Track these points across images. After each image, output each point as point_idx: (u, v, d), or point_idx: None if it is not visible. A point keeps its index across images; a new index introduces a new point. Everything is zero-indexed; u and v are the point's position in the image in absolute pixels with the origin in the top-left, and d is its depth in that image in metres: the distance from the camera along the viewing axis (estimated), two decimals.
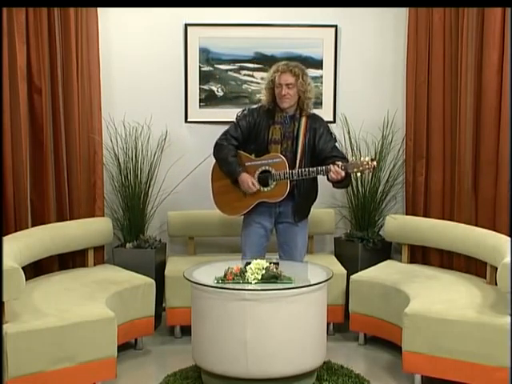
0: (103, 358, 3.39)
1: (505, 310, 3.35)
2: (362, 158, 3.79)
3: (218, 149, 3.94)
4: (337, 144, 3.98)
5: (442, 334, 3.38)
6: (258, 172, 3.88)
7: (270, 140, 3.88)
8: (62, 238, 4.21)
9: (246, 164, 3.91)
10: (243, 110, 4.00)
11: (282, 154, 3.85)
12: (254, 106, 4.03)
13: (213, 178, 4.04)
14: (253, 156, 3.92)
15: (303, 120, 3.90)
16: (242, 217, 4.04)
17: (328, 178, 3.80)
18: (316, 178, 3.95)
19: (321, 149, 3.88)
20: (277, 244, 4.07)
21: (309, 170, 3.78)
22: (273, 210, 3.95)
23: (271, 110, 3.91)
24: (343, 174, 3.72)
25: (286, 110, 3.89)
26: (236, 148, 3.92)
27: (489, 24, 4.08)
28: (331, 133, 3.98)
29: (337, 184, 3.84)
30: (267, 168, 3.86)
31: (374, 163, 3.77)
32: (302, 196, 3.93)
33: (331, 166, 3.72)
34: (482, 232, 4.01)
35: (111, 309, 3.52)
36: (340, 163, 3.73)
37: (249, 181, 3.84)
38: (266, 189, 3.88)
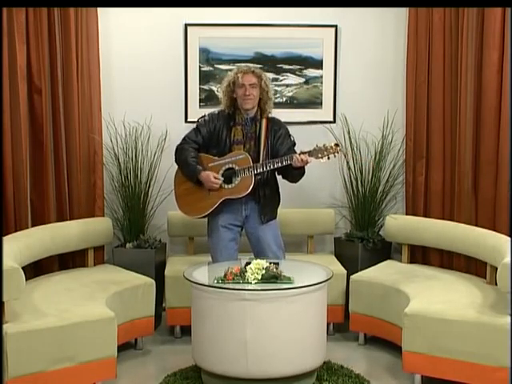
0: (103, 357, 3.39)
1: (505, 310, 3.35)
2: (325, 144, 3.82)
3: (179, 153, 3.96)
4: (295, 148, 3.98)
5: (442, 334, 3.38)
6: (221, 171, 3.89)
7: (233, 141, 3.90)
8: (62, 238, 4.21)
9: (209, 165, 3.91)
10: (203, 116, 4.02)
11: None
12: (215, 111, 4.03)
13: (175, 182, 4.03)
14: (215, 157, 3.92)
15: (264, 122, 3.93)
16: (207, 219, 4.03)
17: (286, 171, 3.85)
18: (276, 180, 3.99)
19: (278, 150, 3.92)
20: (251, 249, 4.07)
21: (273, 161, 3.81)
22: (239, 214, 3.95)
23: (231, 114, 3.94)
24: (309, 160, 3.74)
25: (247, 112, 3.91)
26: (197, 151, 3.94)
27: (489, 24, 4.07)
28: (290, 135, 4.01)
29: (294, 172, 3.84)
30: (231, 165, 3.86)
31: (339, 148, 3.81)
32: (266, 198, 3.94)
33: (295, 154, 3.76)
34: (482, 232, 4.01)
35: (111, 309, 3.51)
36: (304, 150, 3.77)
37: (210, 176, 3.83)
38: (230, 185, 3.87)
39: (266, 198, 3.94)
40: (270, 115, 3.99)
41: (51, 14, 4.28)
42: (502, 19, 4.01)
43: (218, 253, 3.97)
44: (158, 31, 4.71)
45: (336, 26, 4.77)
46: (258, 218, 3.95)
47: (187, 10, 4.65)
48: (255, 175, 3.83)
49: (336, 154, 3.80)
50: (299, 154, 3.75)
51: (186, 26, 4.70)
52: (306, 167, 3.85)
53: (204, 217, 3.98)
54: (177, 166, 4.02)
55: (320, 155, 3.79)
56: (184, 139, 3.99)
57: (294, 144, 4.00)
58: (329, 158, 3.82)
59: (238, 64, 4.69)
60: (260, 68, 4.12)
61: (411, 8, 4.64)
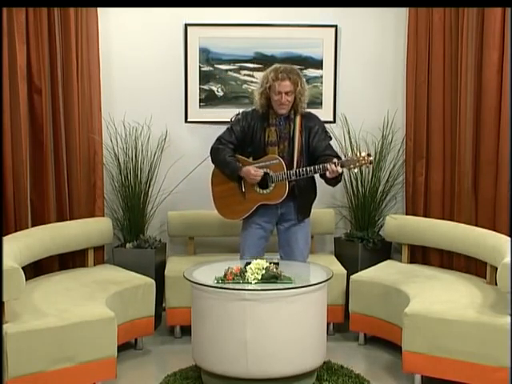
0: (103, 357, 3.39)
1: (505, 310, 3.35)
2: (358, 154, 3.79)
3: (215, 152, 3.94)
4: (331, 143, 3.98)
5: (442, 334, 3.38)
6: None
7: (267, 142, 3.87)
8: (62, 237, 4.21)
9: None
10: (237, 115, 4.01)
11: (279, 155, 3.85)
12: (248, 110, 4.02)
13: (213, 183, 4.02)
14: (250, 159, 3.92)
15: (298, 119, 3.89)
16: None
17: (323, 176, 3.81)
18: (314, 177, 3.95)
19: (314, 147, 3.88)
20: (278, 245, 4.07)
21: (306, 170, 3.78)
22: (274, 212, 3.94)
23: (265, 113, 3.91)
24: (340, 170, 3.72)
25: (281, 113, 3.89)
26: (232, 151, 3.93)
27: (489, 24, 4.08)
28: (326, 131, 3.98)
29: (330, 180, 3.83)
30: (265, 170, 3.85)
31: (371, 158, 3.77)
32: (303, 195, 3.93)
33: (328, 164, 3.72)
34: (482, 232, 4.01)
35: (111, 309, 3.51)
36: (336, 160, 3.73)
37: (251, 170, 3.82)
38: (265, 191, 3.87)
39: (302, 197, 3.93)
40: (304, 111, 3.93)
41: (51, 14, 4.28)
42: (502, 19, 4.01)
43: (245, 249, 3.98)
44: (158, 31, 4.71)
45: (336, 26, 4.76)
46: (294, 216, 3.94)
47: (187, 10, 4.64)
48: (289, 182, 3.82)
49: (368, 164, 3.76)
50: (331, 165, 3.70)
51: (186, 25, 4.70)
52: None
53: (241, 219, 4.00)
54: (213, 167, 3.99)
55: (352, 166, 3.75)
56: (218, 140, 3.95)
57: (331, 139, 3.97)
58: (360, 169, 3.78)
59: (240, 64, 4.71)
60: (293, 68, 3.93)
61: (411, 8, 4.64)
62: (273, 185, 3.85)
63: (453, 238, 4.19)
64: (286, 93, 3.79)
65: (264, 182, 3.86)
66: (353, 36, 4.81)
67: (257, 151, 3.89)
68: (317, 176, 3.90)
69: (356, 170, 3.84)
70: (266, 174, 3.85)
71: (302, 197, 3.93)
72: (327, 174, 3.72)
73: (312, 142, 3.88)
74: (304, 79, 3.92)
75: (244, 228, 4.03)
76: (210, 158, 3.99)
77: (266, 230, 3.99)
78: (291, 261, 3.89)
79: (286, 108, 3.85)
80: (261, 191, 3.87)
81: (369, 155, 3.76)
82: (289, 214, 3.95)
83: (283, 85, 3.79)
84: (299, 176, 3.79)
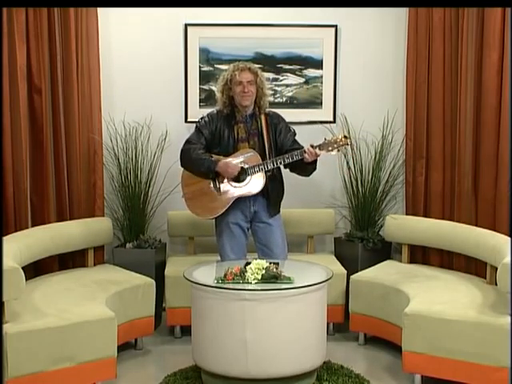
0: (103, 357, 3.39)
1: (505, 310, 3.35)
2: (335, 137, 3.87)
3: (186, 153, 3.94)
4: (296, 138, 4.03)
5: (442, 334, 3.38)
6: None
7: (237, 139, 3.93)
8: (62, 238, 4.21)
9: None
10: (203, 117, 4.03)
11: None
12: (213, 111, 4.04)
13: (183, 185, 4.02)
14: (222, 157, 3.92)
15: (263, 117, 3.97)
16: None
17: (297, 166, 3.89)
18: (281, 173, 4.01)
19: (282, 142, 3.97)
20: (255, 247, 4.08)
21: (283, 157, 3.84)
22: (247, 210, 3.97)
23: (230, 113, 3.96)
24: (319, 153, 3.79)
25: (246, 109, 3.94)
26: (204, 150, 3.95)
27: (489, 24, 4.07)
28: (289, 127, 4.06)
29: (306, 167, 3.88)
30: (240, 164, 3.88)
31: (348, 140, 3.85)
32: (274, 191, 3.98)
33: (306, 147, 3.80)
34: (482, 232, 4.01)
35: (111, 309, 3.52)
36: (314, 144, 3.80)
37: (228, 163, 3.84)
38: (241, 184, 3.89)
39: (273, 193, 3.97)
40: (267, 110, 4.02)
41: (51, 14, 4.28)
42: (502, 19, 4.01)
43: (228, 250, 3.98)
44: (158, 31, 4.71)
45: (336, 26, 4.76)
46: (266, 212, 3.98)
47: (187, 10, 4.65)
48: (266, 172, 3.86)
49: (346, 145, 3.85)
50: (309, 148, 3.78)
51: (186, 25, 4.70)
52: (317, 161, 3.89)
53: (217, 217, 3.99)
54: (182, 169, 4.00)
55: (330, 148, 3.82)
56: (188, 141, 3.98)
57: (295, 134, 4.04)
58: (339, 151, 3.85)
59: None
60: (259, 67, 4.12)
61: (411, 8, 4.64)
62: (249, 177, 3.87)
63: (453, 238, 4.19)
64: (248, 82, 3.88)
65: (239, 177, 3.88)
66: (353, 36, 4.81)
67: (225, 150, 3.92)
68: (286, 172, 3.96)
69: (334, 153, 3.86)
70: (241, 167, 3.87)
71: (273, 193, 3.97)
72: (306, 156, 3.77)
73: (279, 138, 3.98)
74: (264, 76, 4.03)
75: (220, 230, 4.02)
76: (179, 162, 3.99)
77: (243, 228, 4.00)
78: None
79: (250, 99, 3.91)
80: (237, 185, 3.89)
81: (345, 137, 3.84)
82: (261, 212, 3.98)
83: (243, 74, 3.89)
84: (277, 164, 3.85)
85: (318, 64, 4.80)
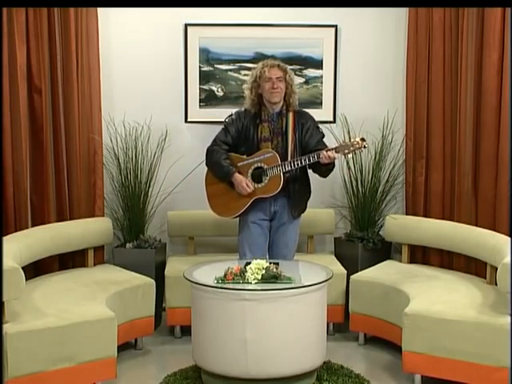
0: (103, 357, 3.39)
1: (505, 310, 3.35)
2: (351, 139, 3.86)
3: (210, 155, 3.99)
4: (324, 140, 4.03)
5: (442, 334, 3.38)
6: (250, 170, 3.92)
7: (260, 138, 3.93)
8: (62, 238, 4.21)
9: (239, 164, 3.94)
10: (230, 115, 4.05)
11: (273, 150, 3.89)
12: (241, 110, 4.06)
13: (207, 183, 4.06)
14: (244, 157, 3.95)
15: (290, 115, 3.96)
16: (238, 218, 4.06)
17: (315, 167, 3.89)
18: (307, 174, 4.01)
19: (307, 142, 3.95)
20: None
21: (300, 159, 3.83)
22: (268, 209, 3.98)
23: (256, 112, 3.96)
24: (335, 155, 3.78)
25: (273, 107, 3.94)
26: (227, 151, 3.97)
27: (489, 24, 4.08)
28: (319, 128, 4.04)
29: (323, 168, 3.88)
30: (259, 164, 3.89)
31: (365, 142, 3.81)
32: (297, 192, 3.97)
33: (322, 151, 3.79)
34: (482, 232, 4.01)
35: (111, 309, 3.52)
36: (330, 147, 3.81)
37: (243, 182, 3.88)
38: (260, 185, 3.90)
39: (296, 193, 3.97)
40: (296, 108, 4.01)
41: (51, 14, 4.28)
42: (502, 19, 4.01)
43: (246, 249, 3.99)
44: (158, 31, 4.71)
45: (336, 26, 4.76)
46: (288, 213, 3.98)
47: (187, 10, 4.65)
48: (283, 173, 3.85)
49: (363, 148, 3.82)
50: (326, 151, 3.78)
51: (186, 25, 4.70)
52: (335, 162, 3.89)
53: (237, 216, 4.02)
54: (206, 168, 4.04)
55: (347, 151, 3.80)
56: (214, 141, 4.01)
57: (323, 135, 4.03)
58: (355, 154, 3.85)
59: (240, 64, 4.72)
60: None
61: (411, 8, 4.65)
62: (267, 178, 3.88)
63: (453, 238, 4.19)
64: (277, 78, 3.88)
65: (259, 176, 3.89)
66: (353, 36, 4.81)
67: (251, 148, 3.94)
68: (310, 173, 3.95)
69: (350, 156, 3.87)
70: (260, 168, 3.88)
71: (296, 194, 3.97)
72: (321, 159, 3.76)
73: (305, 137, 3.95)
74: (293, 74, 4.03)
75: (242, 229, 4.05)
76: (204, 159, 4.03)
77: (263, 227, 4.01)
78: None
79: (279, 96, 3.91)
80: (256, 185, 3.90)
81: (362, 139, 3.81)
82: (281, 213, 3.99)
83: (273, 71, 3.90)
84: (294, 166, 3.84)
85: (318, 64, 4.80)
